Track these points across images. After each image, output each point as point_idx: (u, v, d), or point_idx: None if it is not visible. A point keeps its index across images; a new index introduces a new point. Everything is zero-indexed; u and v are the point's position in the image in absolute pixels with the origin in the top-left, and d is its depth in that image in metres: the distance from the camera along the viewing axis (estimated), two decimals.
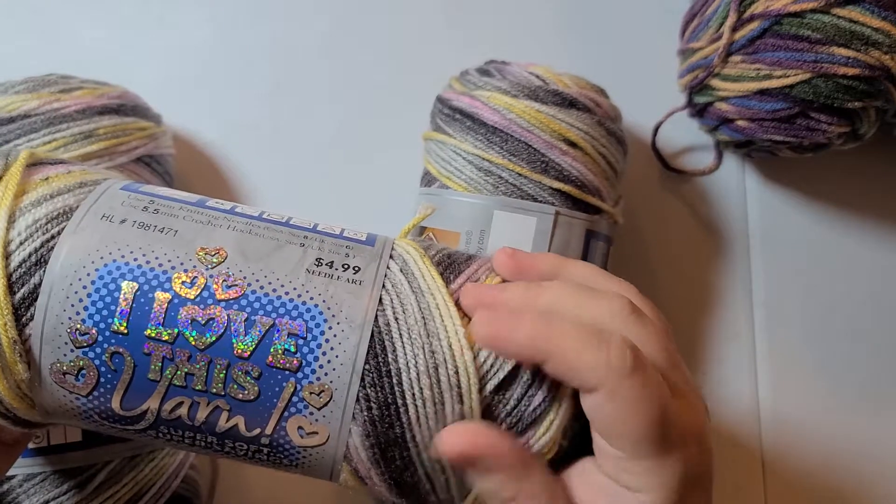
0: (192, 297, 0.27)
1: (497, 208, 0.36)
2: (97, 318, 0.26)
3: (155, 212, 0.29)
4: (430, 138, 0.40)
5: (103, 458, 0.36)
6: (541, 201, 0.37)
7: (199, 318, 0.27)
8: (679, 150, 0.47)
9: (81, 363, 0.27)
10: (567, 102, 0.37)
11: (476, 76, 0.39)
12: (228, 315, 0.27)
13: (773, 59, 0.38)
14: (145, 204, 0.29)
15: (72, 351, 0.26)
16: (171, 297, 0.27)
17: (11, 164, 0.29)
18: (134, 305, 0.27)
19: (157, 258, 0.27)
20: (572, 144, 0.37)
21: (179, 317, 0.26)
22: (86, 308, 0.26)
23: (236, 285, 0.27)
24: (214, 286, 0.27)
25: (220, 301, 0.27)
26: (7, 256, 0.27)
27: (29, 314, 0.26)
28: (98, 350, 0.26)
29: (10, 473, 0.36)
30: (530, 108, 0.37)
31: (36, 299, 0.26)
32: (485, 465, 0.26)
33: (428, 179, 0.39)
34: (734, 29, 0.39)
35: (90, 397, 0.27)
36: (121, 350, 0.26)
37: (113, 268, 0.27)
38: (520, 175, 0.37)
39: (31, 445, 0.35)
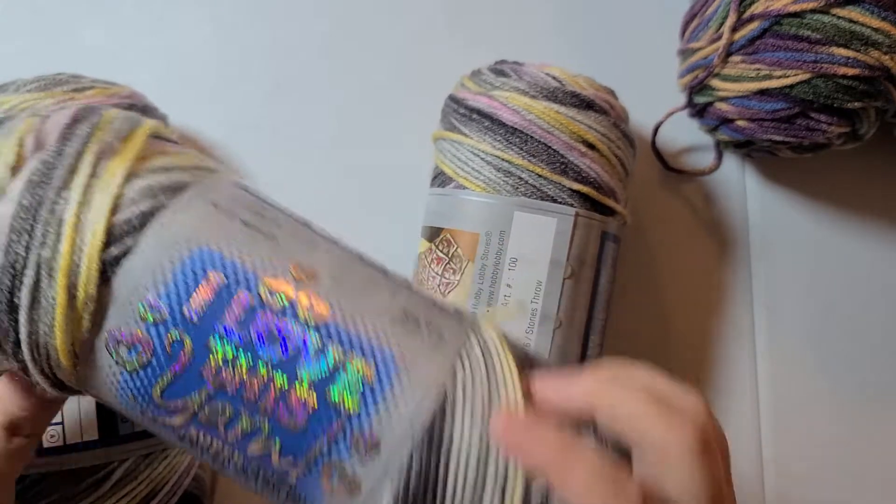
0: (275, 307, 0.26)
1: (517, 209, 0.36)
2: (174, 297, 0.25)
3: (261, 216, 0.28)
4: (443, 138, 0.40)
5: (119, 457, 0.36)
6: (560, 202, 0.37)
7: (274, 331, 0.25)
8: (679, 150, 0.47)
9: (140, 337, 0.25)
10: (585, 104, 0.38)
11: (491, 76, 0.39)
12: (305, 337, 0.25)
13: (773, 59, 0.38)
14: (254, 205, 0.28)
15: (136, 322, 0.25)
16: (252, 300, 0.25)
17: (136, 128, 0.28)
18: (214, 297, 0.25)
19: (251, 258, 0.26)
20: (590, 146, 0.37)
21: (255, 323, 0.25)
22: (166, 285, 0.25)
23: (321, 310, 0.26)
24: (299, 304, 0.26)
25: (300, 320, 0.26)
26: (115, 211, 0.25)
27: (112, 272, 0.25)
28: (161, 330, 0.25)
29: (25, 473, 0.36)
30: (550, 110, 0.37)
31: (123, 261, 0.25)
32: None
33: (442, 180, 0.39)
34: (734, 29, 0.39)
35: (134, 375, 0.26)
36: (184, 337, 0.25)
37: (206, 254, 0.26)
38: (539, 176, 0.37)
39: (46, 444, 0.35)
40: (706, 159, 0.47)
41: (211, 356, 0.25)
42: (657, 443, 0.25)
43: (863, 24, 0.36)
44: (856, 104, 0.38)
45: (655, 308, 0.46)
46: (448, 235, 0.38)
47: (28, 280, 0.24)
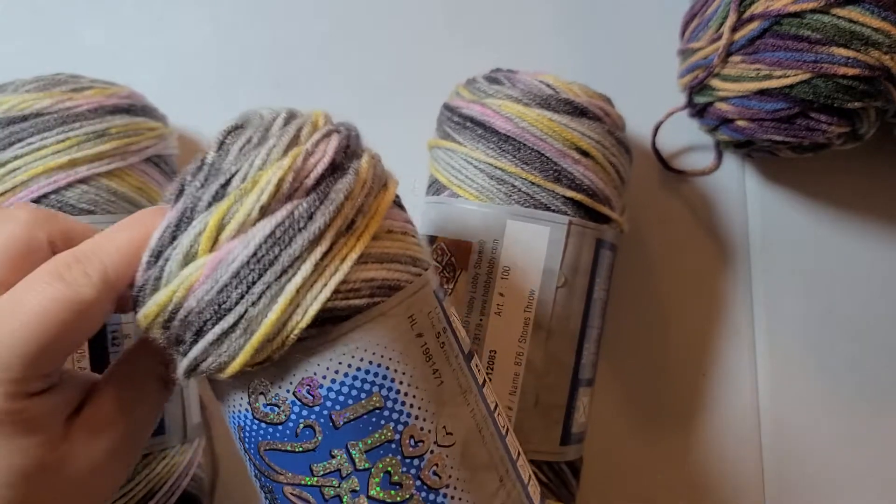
0: (405, 454, 0.27)
1: (510, 217, 0.36)
2: (333, 396, 0.26)
3: (442, 345, 0.28)
4: (437, 146, 0.40)
5: None
6: (553, 210, 0.37)
7: (394, 477, 0.27)
8: (679, 150, 0.47)
9: (284, 404, 0.26)
10: (578, 111, 0.38)
11: (485, 84, 0.39)
12: (416, 491, 0.27)
13: (773, 59, 0.38)
14: (440, 328, 0.29)
15: (288, 391, 0.26)
16: (393, 438, 0.27)
17: (383, 192, 0.28)
18: (365, 416, 0.26)
19: (414, 399, 0.27)
20: (584, 153, 0.37)
21: (383, 459, 0.26)
22: (333, 381, 0.26)
23: (438, 482, 0.27)
24: (425, 466, 0.27)
25: (418, 480, 0.27)
26: (333, 298, 0.26)
27: (297, 343, 0.26)
28: (305, 412, 0.26)
29: None
30: (543, 117, 0.37)
31: (309, 341, 0.26)
32: None
33: (436, 188, 0.39)
34: (734, 29, 0.39)
35: (256, 421, 0.27)
36: (318, 432, 0.26)
37: (381, 375, 0.27)
38: (533, 184, 0.37)
39: None
40: (706, 159, 0.47)
41: (328, 461, 0.26)
42: None
43: (863, 24, 0.37)
44: (856, 104, 0.38)
45: (655, 308, 0.46)
46: (442, 244, 0.38)
47: (226, 324, 0.25)
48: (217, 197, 0.26)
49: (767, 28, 0.38)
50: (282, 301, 0.25)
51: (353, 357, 0.26)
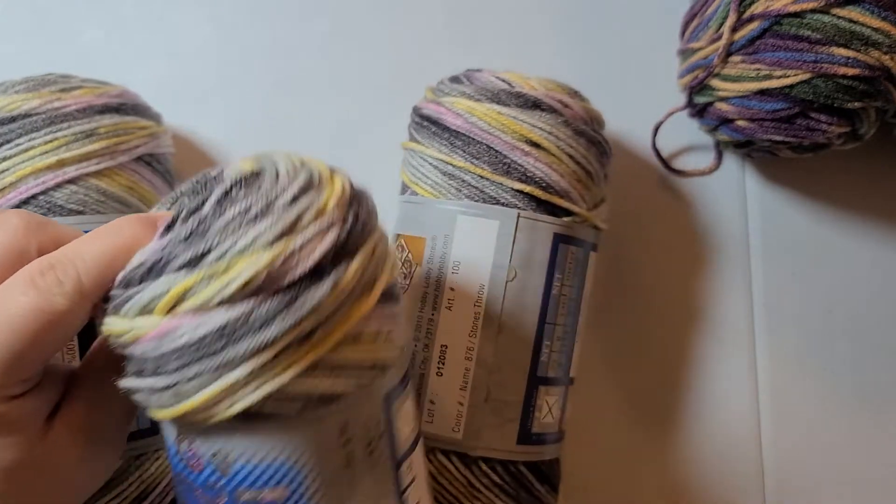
0: None
1: (460, 212, 0.37)
2: (239, 471, 0.27)
3: (370, 452, 0.28)
4: (405, 147, 0.41)
5: None
6: (503, 204, 0.36)
7: None
8: (679, 150, 0.47)
9: (201, 462, 0.27)
10: (530, 104, 0.37)
11: (447, 84, 0.40)
12: None
13: (773, 59, 0.38)
14: (375, 435, 0.28)
15: (208, 458, 0.27)
16: None
17: (365, 292, 0.27)
18: (265, 502, 0.27)
19: (320, 496, 0.27)
20: (535, 145, 0.37)
21: None
22: (246, 461, 0.26)
23: None
24: None
25: None
26: (267, 401, 0.25)
27: (235, 422, 0.26)
28: (216, 477, 0.27)
29: None
30: (491, 111, 0.37)
31: (244, 426, 0.26)
32: None
33: (403, 188, 0.40)
34: (734, 29, 0.39)
35: (179, 461, 0.28)
36: (223, 496, 0.27)
37: (294, 470, 0.26)
38: (482, 177, 0.37)
39: None
40: (706, 159, 0.47)
41: None
42: None
43: (863, 24, 0.36)
44: (856, 104, 0.38)
45: (654, 308, 0.46)
46: (402, 241, 0.38)
47: (159, 383, 0.26)
48: (191, 264, 0.25)
49: (767, 28, 0.38)
50: (210, 390, 0.25)
51: (270, 450, 0.26)
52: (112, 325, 0.26)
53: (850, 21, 0.37)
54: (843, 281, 0.46)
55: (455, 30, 0.48)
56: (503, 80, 0.38)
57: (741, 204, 0.47)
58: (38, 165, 0.36)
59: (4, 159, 0.36)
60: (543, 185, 0.37)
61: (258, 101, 0.47)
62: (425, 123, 0.39)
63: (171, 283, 0.25)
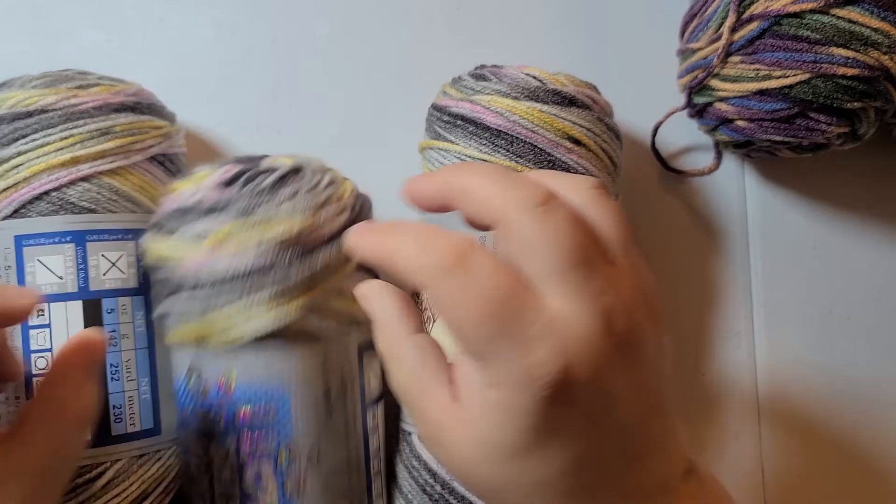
0: (278, 462, 0.34)
1: None
2: (238, 393, 0.34)
3: (343, 392, 0.36)
4: (430, 147, 0.40)
5: (111, 457, 0.36)
6: None
7: (262, 477, 0.34)
8: (679, 150, 0.47)
9: (208, 387, 0.35)
10: (567, 101, 0.38)
11: (472, 81, 0.39)
12: (273, 497, 0.34)
13: (773, 59, 0.38)
14: (349, 377, 0.36)
15: (213, 378, 0.35)
16: (270, 447, 0.34)
17: (349, 262, 0.35)
18: (257, 419, 0.34)
19: (301, 420, 0.34)
20: (576, 142, 0.37)
21: (258, 460, 0.34)
22: (246, 384, 0.34)
23: (296, 492, 0.34)
24: (290, 476, 0.34)
25: (282, 486, 0.34)
26: (271, 327, 0.33)
27: (243, 347, 0.34)
28: (220, 398, 0.34)
29: None
30: (533, 109, 0.37)
31: (249, 351, 0.34)
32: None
33: None
34: (733, 29, 0.39)
35: (187, 392, 0.35)
36: (223, 415, 0.35)
37: (283, 393, 0.34)
38: None
39: None
40: (706, 159, 0.47)
41: (221, 440, 0.34)
42: (495, 208, 0.24)
43: (862, 24, 0.37)
44: (855, 104, 0.38)
45: None
46: None
47: (188, 302, 0.34)
48: (244, 213, 0.33)
49: (767, 28, 0.38)
50: (235, 306, 0.33)
51: (266, 374, 0.34)
52: (162, 247, 0.34)
53: (850, 21, 0.37)
54: (843, 281, 0.46)
55: (454, 31, 0.48)
56: (534, 77, 0.38)
57: (741, 204, 0.47)
58: (52, 162, 0.36)
59: (19, 154, 0.36)
60: None
61: (258, 101, 0.47)
62: (459, 122, 0.38)
63: (223, 223, 0.33)
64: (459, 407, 0.25)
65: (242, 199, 0.34)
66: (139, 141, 0.39)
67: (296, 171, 0.36)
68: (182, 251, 0.34)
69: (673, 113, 0.44)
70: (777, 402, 0.45)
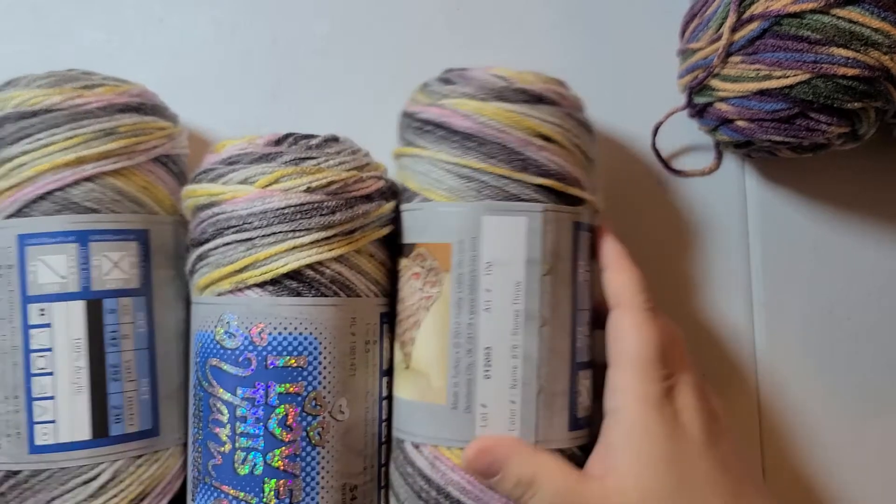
0: (304, 409, 0.36)
1: (485, 213, 0.36)
2: (271, 342, 0.36)
3: (367, 350, 0.39)
4: (402, 154, 0.40)
5: (109, 457, 0.36)
6: (526, 199, 0.37)
7: (289, 421, 0.36)
8: (679, 150, 0.47)
9: (238, 337, 0.36)
10: (535, 99, 0.38)
11: (439, 85, 0.39)
12: (296, 440, 0.36)
13: (773, 59, 0.38)
14: (372, 339, 0.39)
15: (246, 328, 0.36)
16: (299, 394, 0.36)
17: (387, 224, 0.40)
18: (289, 367, 0.36)
19: (329, 372, 0.37)
20: (547, 139, 0.37)
21: (286, 404, 0.36)
22: (279, 333, 0.36)
23: (318, 440, 0.36)
24: (314, 425, 0.36)
25: (304, 431, 0.36)
26: (309, 270, 0.37)
27: (279, 293, 0.37)
28: (251, 348, 0.36)
29: (15, 469, 0.36)
30: (500, 109, 0.37)
31: (284, 297, 0.37)
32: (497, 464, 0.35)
33: (408, 195, 0.39)
34: (734, 29, 0.39)
35: (214, 343, 0.37)
36: (253, 364, 0.36)
37: (315, 343, 0.36)
38: (501, 176, 0.37)
39: (37, 441, 0.36)
40: (706, 159, 0.47)
41: (249, 389, 0.36)
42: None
43: (863, 25, 0.37)
44: (856, 104, 0.38)
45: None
46: (422, 249, 0.38)
47: (235, 237, 0.37)
48: (294, 162, 0.37)
49: (767, 28, 0.38)
50: (280, 246, 0.36)
51: (300, 323, 0.36)
52: (210, 187, 0.37)
53: (850, 21, 0.37)
54: (843, 281, 0.46)
55: (454, 31, 0.48)
56: (500, 77, 0.38)
57: (741, 204, 0.47)
58: (56, 162, 0.36)
59: (24, 153, 0.36)
60: (560, 177, 0.37)
61: (258, 101, 0.47)
62: (428, 128, 0.38)
63: (273, 168, 0.36)
64: None
65: (292, 153, 0.37)
66: (143, 142, 0.39)
67: (335, 139, 0.39)
68: (232, 191, 0.36)
69: (673, 113, 0.44)
70: (777, 401, 0.45)
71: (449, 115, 0.38)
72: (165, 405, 0.39)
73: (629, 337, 0.36)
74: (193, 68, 0.47)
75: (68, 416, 0.36)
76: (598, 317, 0.39)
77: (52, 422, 0.36)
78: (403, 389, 0.38)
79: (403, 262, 0.39)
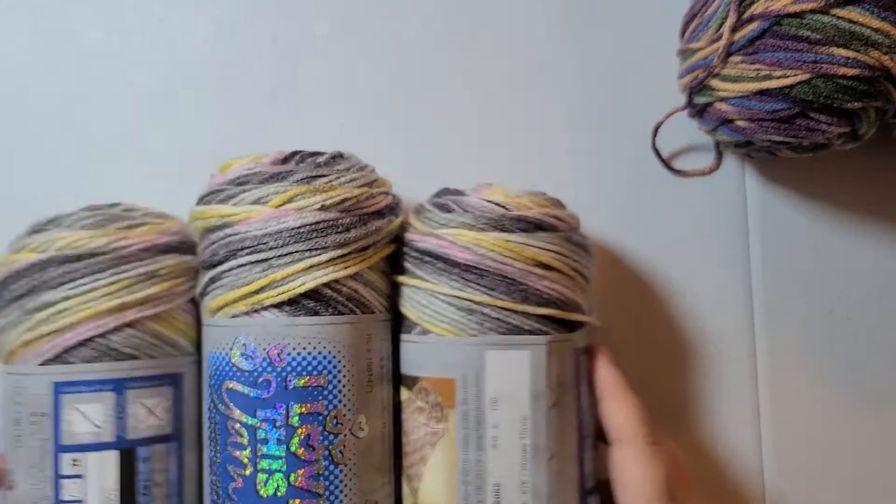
0: (326, 428, 0.36)
1: (488, 347, 0.36)
2: (291, 362, 0.36)
3: (381, 366, 0.38)
4: (402, 283, 0.39)
5: None
6: (529, 331, 0.36)
7: (311, 441, 0.35)
8: (679, 150, 0.47)
9: (256, 359, 0.36)
10: (533, 226, 0.37)
11: (436, 212, 0.38)
12: (318, 459, 0.35)
13: (773, 59, 0.38)
14: (385, 356, 0.39)
15: (264, 350, 0.36)
16: (321, 413, 0.36)
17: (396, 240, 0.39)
18: (309, 387, 0.36)
19: (348, 390, 0.36)
20: (547, 267, 0.37)
21: (308, 424, 0.36)
22: (298, 353, 0.36)
23: (340, 458, 0.36)
24: (336, 443, 0.36)
25: (327, 451, 0.36)
26: (326, 289, 0.37)
27: (296, 314, 0.36)
28: (269, 370, 0.36)
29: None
30: (499, 240, 0.36)
31: (302, 317, 0.36)
32: None
33: (408, 325, 0.38)
34: (734, 29, 0.39)
35: (230, 366, 0.36)
36: (272, 385, 0.36)
37: (334, 362, 0.36)
38: (503, 309, 0.36)
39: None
40: (706, 159, 0.47)
41: (270, 410, 0.35)
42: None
43: (863, 25, 0.36)
44: (856, 104, 0.38)
45: (655, 308, 0.46)
46: (425, 384, 0.37)
47: (248, 259, 0.36)
48: (304, 181, 0.36)
49: (767, 28, 0.38)
50: (298, 266, 0.35)
51: (318, 342, 0.36)
52: (221, 209, 0.36)
53: (850, 21, 0.37)
54: (843, 281, 0.46)
55: (454, 31, 0.48)
56: (497, 204, 0.38)
57: (741, 204, 0.47)
58: (99, 308, 0.36)
59: (66, 299, 0.36)
60: (561, 304, 0.37)
61: (258, 101, 0.47)
62: (427, 259, 0.37)
63: (286, 188, 0.36)
64: None
65: (301, 171, 0.37)
66: (182, 284, 0.38)
67: (341, 155, 0.39)
68: (245, 212, 0.36)
69: (673, 113, 0.44)
70: (777, 402, 0.45)
71: (447, 246, 0.37)
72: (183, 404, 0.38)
73: (635, 475, 0.36)
74: (193, 68, 0.47)
75: (98, 494, 0.35)
76: (598, 433, 0.39)
77: (80, 501, 0.35)
78: None
79: (406, 394, 0.38)
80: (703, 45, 0.40)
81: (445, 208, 0.38)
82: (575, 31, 0.48)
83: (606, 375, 0.38)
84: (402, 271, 0.39)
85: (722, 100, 0.40)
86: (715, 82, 0.40)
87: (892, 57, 0.37)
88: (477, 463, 0.36)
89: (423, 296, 0.37)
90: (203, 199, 0.38)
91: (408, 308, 0.38)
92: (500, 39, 0.48)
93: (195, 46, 0.48)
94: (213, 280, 0.37)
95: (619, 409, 0.37)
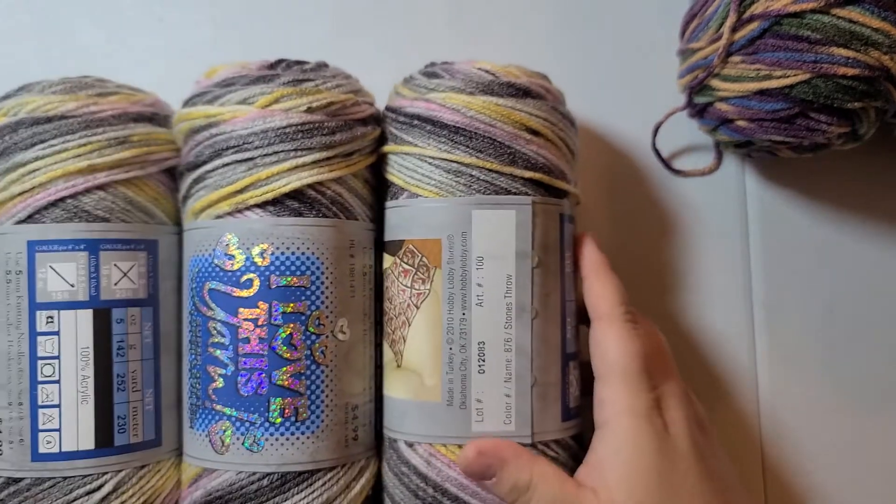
0: (308, 328, 0.36)
1: (474, 207, 0.37)
2: (274, 261, 0.36)
3: (364, 274, 0.39)
4: (389, 152, 0.39)
5: (113, 468, 0.36)
6: (515, 193, 0.37)
7: (293, 340, 0.36)
8: (679, 150, 0.47)
9: (239, 258, 0.36)
10: (522, 92, 0.38)
11: (424, 79, 0.39)
12: (300, 358, 0.36)
13: (773, 59, 0.38)
14: (368, 264, 0.39)
15: (247, 249, 0.36)
16: (303, 313, 0.37)
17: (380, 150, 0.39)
18: (293, 287, 0.36)
19: (331, 292, 0.37)
20: (535, 133, 0.38)
21: (291, 324, 0.36)
22: (282, 252, 0.36)
23: (322, 359, 0.37)
24: (317, 344, 0.36)
25: (308, 350, 0.36)
26: (310, 190, 0.37)
27: (280, 213, 0.37)
28: (252, 269, 0.36)
29: (17, 476, 0.36)
30: (489, 103, 0.37)
31: (286, 217, 0.37)
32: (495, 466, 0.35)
33: (394, 192, 0.39)
34: (734, 29, 0.39)
35: (212, 267, 0.37)
36: (255, 285, 0.36)
37: (317, 263, 0.37)
38: (490, 171, 0.37)
39: (41, 450, 0.36)
40: (706, 159, 0.47)
41: (253, 309, 0.36)
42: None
43: (863, 24, 0.36)
44: (856, 104, 0.38)
45: (655, 308, 0.46)
46: (411, 246, 0.38)
47: (235, 157, 0.36)
48: (292, 83, 0.36)
49: (767, 28, 0.38)
50: (282, 165, 0.36)
51: (302, 243, 0.36)
52: (208, 109, 0.37)
53: (850, 21, 0.37)
54: (843, 281, 0.46)
55: (454, 31, 0.48)
56: (486, 71, 0.38)
57: (741, 204, 0.47)
58: (69, 168, 0.36)
59: (37, 159, 0.36)
60: (547, 170, 0.38)
61: None
62: (416, 122, 0.38)
63: (272, 89, 0.36)
64: None
65: (288, 75, 0.37)
66: (154, 152, 0.39)
67: (326, 64, 0.39)
68: (231, 111, 0.36)
69: (673, 113, 0.44)
70: (777, 401, 0.46)
71: (437, 109, 0.37)
72: (167, 415, 0.39)
73: (613, 350, 0.36)
74: (193, 68, 0.47)
75: (73, 424, 0.36)
76: (580, 311, 0.40)
77: (57, 430, 0.36)
78: (395, 389, 0.38)
79: (390, 260, 0.39)
80: (703, 45, 0.40)
81: (435, 75, 0.39)
82: (575, 31, 0.48)
83: (591, 255, 0.39)
84: (392, 139, 0.39)
85: (722, 100, 0.40)
86: (715, 82, 0.40)
87: (893, 57, 0.37)
88: (461, 321, 0.36)
89: (410, 161, 0.38)
90: (188, 102, 0.38)
91: (394, 174, 0.39)
92: (500, 40, 0.48)
93: (195, 46, 0.48)
94: (196, 181, 0.37)
95: (600, 286, 0.38)
